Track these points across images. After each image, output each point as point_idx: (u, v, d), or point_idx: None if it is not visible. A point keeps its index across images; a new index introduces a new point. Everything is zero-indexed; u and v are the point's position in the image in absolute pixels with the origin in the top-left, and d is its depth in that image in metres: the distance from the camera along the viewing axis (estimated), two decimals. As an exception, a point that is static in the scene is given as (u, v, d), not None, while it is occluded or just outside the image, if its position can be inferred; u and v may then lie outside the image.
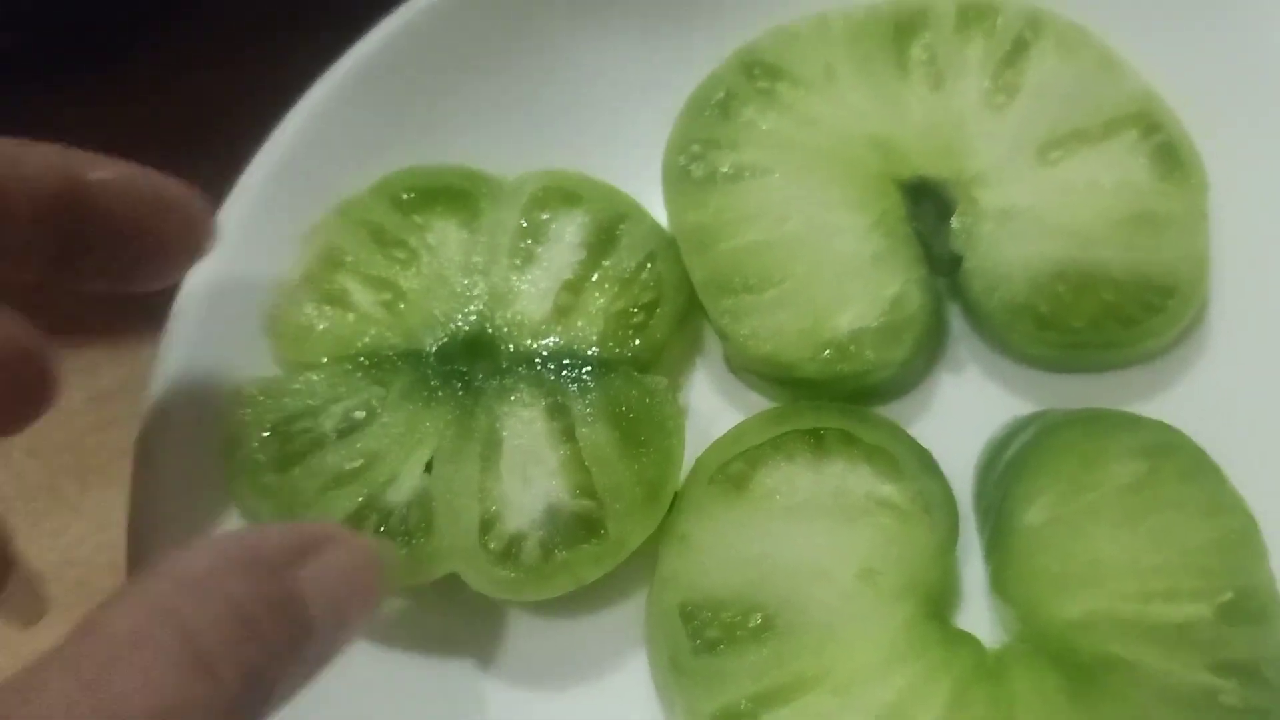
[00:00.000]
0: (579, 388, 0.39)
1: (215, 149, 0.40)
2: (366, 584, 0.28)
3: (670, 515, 0.38)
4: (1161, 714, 0.34)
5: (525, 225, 0.42)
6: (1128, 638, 0.35)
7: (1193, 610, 0.35)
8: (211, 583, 0.25)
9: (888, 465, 0.38)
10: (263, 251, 0.41)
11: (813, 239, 0.41)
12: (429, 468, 0.38)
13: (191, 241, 0.35)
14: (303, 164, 0.42)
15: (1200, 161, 0.42)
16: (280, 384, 0.39)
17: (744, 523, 0.37)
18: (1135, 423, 0.38)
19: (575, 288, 0.41)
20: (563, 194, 0.42)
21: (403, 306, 0.41)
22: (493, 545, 0.37)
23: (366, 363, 0.40)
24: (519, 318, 0.40)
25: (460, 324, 0.40)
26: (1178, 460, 0.37)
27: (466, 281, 0.41)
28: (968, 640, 0.36)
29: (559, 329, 0.40)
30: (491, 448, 0.38)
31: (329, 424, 0.38)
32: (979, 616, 0.38)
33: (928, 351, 0.42)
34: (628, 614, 0.39)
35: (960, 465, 0.39)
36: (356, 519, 0.37)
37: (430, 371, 0.39)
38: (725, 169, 0.43)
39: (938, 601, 0.37)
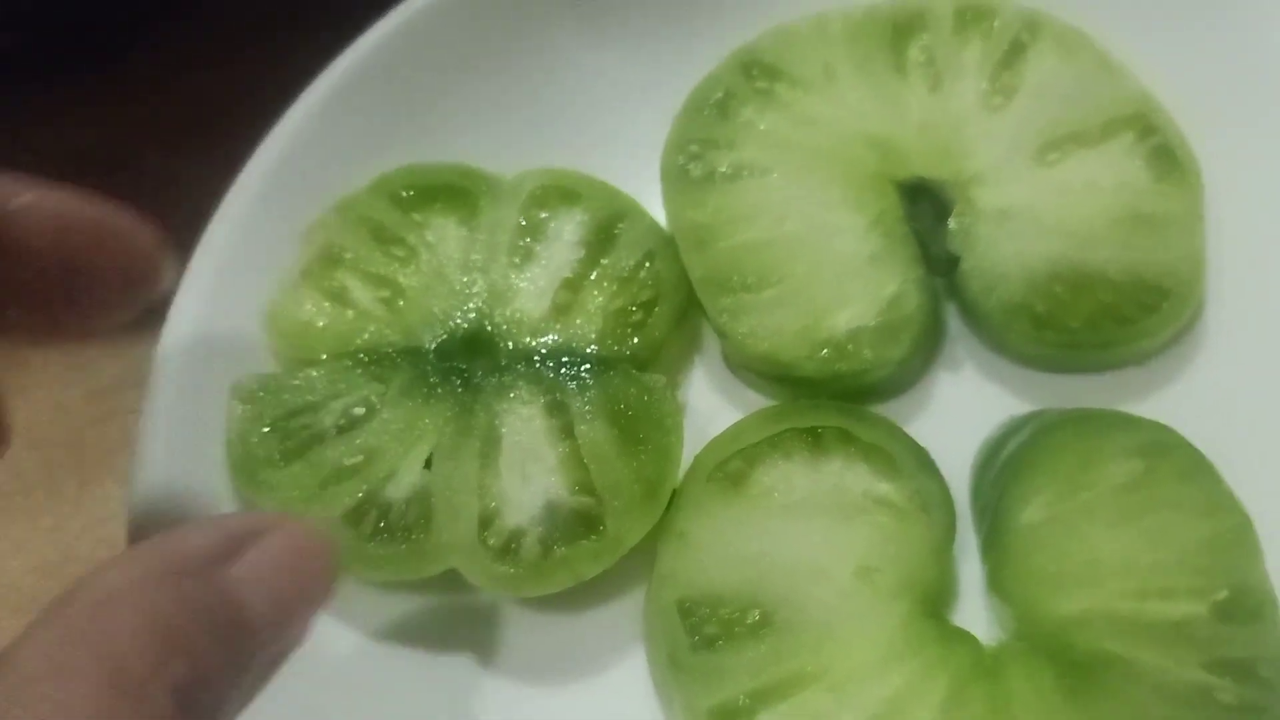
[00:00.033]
0: (578, 385, 0.39)
1: (215, 149, 0.40)
2: (311, 572, 0.26)
3: (669, 512, 0.38)
4: (1157, 711, 0.34)
5: (524, 223, 0.42)
6: (1124, 636, 0.35)
7: (1188, 608, 0.35)
8: (130, 598, 0.23)
9: (885, 464, 0.38)
10: (262, 248, 0.41)
11: (811, 238, 0.42)
12: (428, 464, 0.38)
13: (136, 276, 0.30)
14: (302, 161, 0.42)
15: (1196, 163, 0.42)
16: (280, 380, 0.39)
17: (742, 520, 0.37)
18: (1131, 423, 0.38)
19: (574, 286, 0.41)
20: (561, 192, 0.42)
21: (402, 304, 0.41)
22: (492, 541, 0.37)
23: (366, 359, 0.40)
24: (518, 315, 0.40)
25: (459, 321, 0.40)
26: (1173, 460, 0.37)
27: (465, 279, 0.41)
28: (965, 638, 0.37)
29: (558, 327, 0.40)
30: (491, 444, 0.38)
31: (329, 420, 0.38)
32: (976, 614, 0.38)
33: (925, 351, 0.42)
34: (626, 610, 0.39)
35: (957, 464, 0.40)
36: (356, 514, 0.37)
37: (429, 368, 0.40)
38: (724, 168, 0.43)
39: (935, 599, 0.37)
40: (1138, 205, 0.41)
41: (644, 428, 0.38)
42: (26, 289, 0.29)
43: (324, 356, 0.40)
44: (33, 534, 0.45)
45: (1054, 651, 0.35)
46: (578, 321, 0.40)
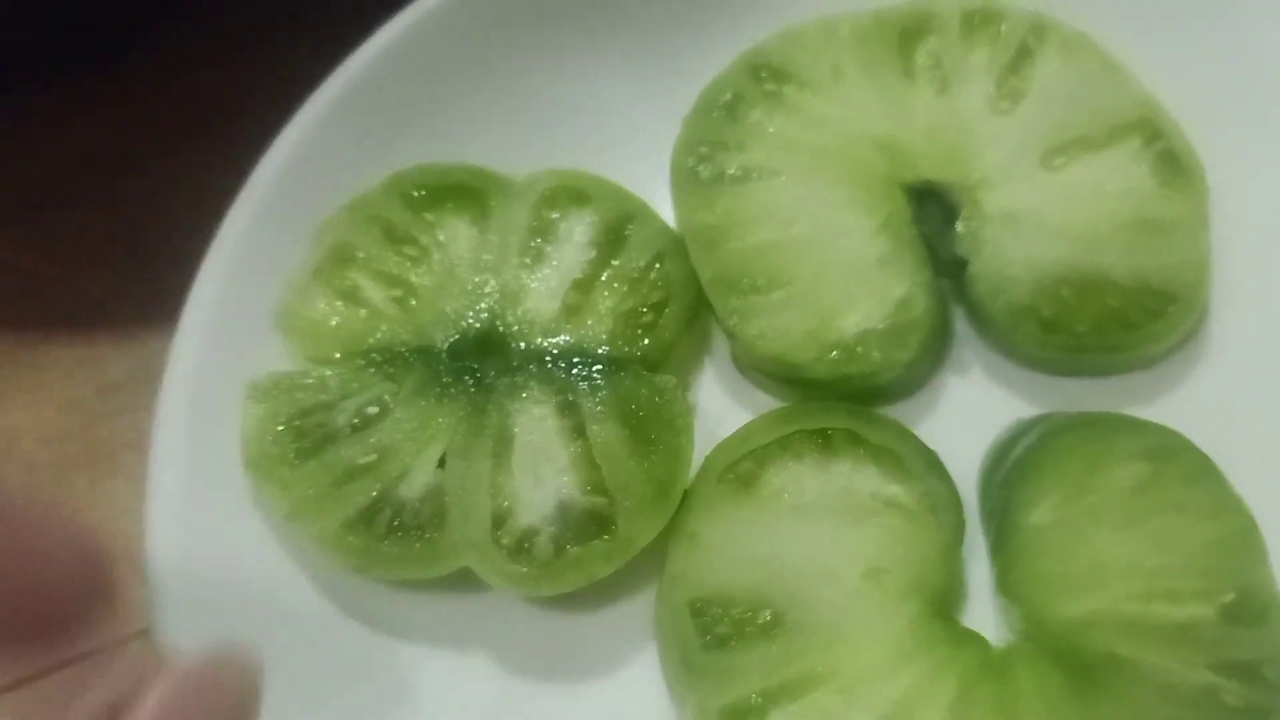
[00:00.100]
0: (589, 386, 0.39)
1: (215, 149, 0.40)
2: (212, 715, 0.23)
3: (679, 513, 0.38)
4: (1163, 712, 0.34)
5: (535, 224, 0.42)
6: (1130, 637, 0.35)
7: (1195, 611, 0.35)
8: None
9: (894, 466, 0.38)
10: (275, 247, 0.41)
11: (819, 240, 0.42)
12: (442, 463, 0.38)
13: (81, 606, 0.24)
14: (314, 161, 0.42)
15: (1201, 168, 0.42)
16: (294, 379, 0.39)
17: (752, 521, 0.38)
18: (1138, 426, 0.39)
19: (585, 286, 0.41)
20: (572, 193, 0.42)
21: (414, 303, 0.41)
22: (505, 540, 0.37)
23: (379, 358, 0.40)
24: (529, 316, 0.41)
25: (471, 321, 0.41)
26: (1180, 463, 0.37)
27: (477, 279, 0.41)
28: (973, 639, 0.37)
29: (569, 327, 0.40)
30: (503, 444, 0.38)
31: (343, 419, 0.39)
32: (984, 616, 0.38)
33: (933, 354, 0.42)
34: (638, 610, 0.39)
35: (965, 466, 0.40)
36: (370, 513, 0.37)
37: (442, 368, 0.40)
38: (733, 170, 0.43)
39: (943, 601, 0.37)
40: (1143, 210, 0.41)
41: (655, 428, 0.39)
42: None
43: (337, 355, 0.40)
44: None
45: (1061, 653, 0.36)
46: (589, 322, 0.40)
